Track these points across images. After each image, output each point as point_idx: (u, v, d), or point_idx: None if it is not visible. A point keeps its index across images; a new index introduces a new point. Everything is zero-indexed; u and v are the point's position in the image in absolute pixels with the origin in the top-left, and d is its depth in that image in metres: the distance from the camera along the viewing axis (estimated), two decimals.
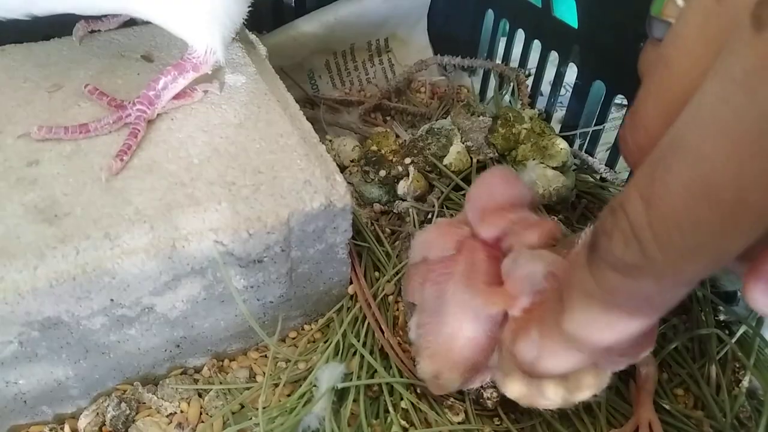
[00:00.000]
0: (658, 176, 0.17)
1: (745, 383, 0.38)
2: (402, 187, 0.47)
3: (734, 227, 0.16)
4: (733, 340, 0.39)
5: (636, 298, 0.20)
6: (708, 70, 0.18)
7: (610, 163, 0.51)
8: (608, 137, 0.53)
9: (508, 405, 0.34)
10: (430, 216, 0.46)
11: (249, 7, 0.38)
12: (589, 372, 0.29)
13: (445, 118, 0.52)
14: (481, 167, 0.49)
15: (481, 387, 0.33)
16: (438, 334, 0.30)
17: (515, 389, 0.30)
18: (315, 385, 0.34)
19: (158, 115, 0.37)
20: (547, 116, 0.56)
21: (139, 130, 0.35)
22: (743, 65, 0.15)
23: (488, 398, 0.34)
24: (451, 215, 0.45)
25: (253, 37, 0.47)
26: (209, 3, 0.34)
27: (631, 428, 0.35)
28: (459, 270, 0.31)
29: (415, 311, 0.32)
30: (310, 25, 0.59)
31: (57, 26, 0.42)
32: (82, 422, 0.34)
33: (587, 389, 0.29)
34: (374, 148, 0.49)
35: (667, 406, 0.36)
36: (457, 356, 0.30)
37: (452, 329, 0.30)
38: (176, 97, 0.38)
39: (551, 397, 0.29)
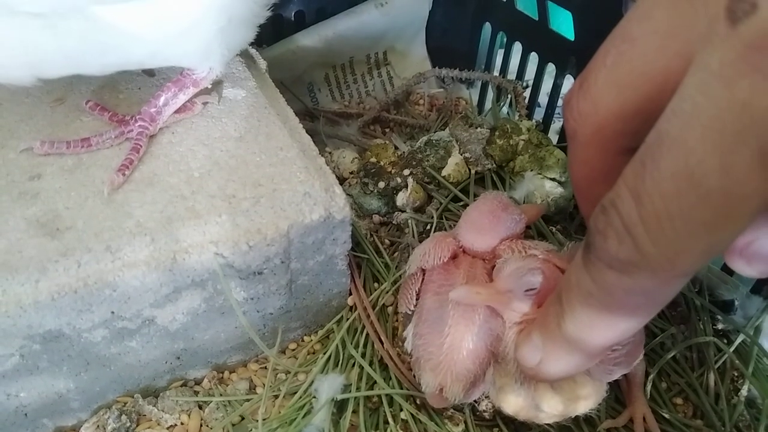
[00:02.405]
0: (647, 171, 0.18)
1: (743, 392, 0.38)
2: (401, 198, 0.48)
3: (724, 217, 0.17)
4: (731, 349, 0.39)
5: (634, 294, 0.20)
6: (672, 54, 0.18)
7: None
8: None
9: (507, 415, 0.35)
10: (429, 227, 0.46)
11: (256, 30, 0.39)
12: (585, 383, 0.29)
13: (444, 130, 0.53)
14: (479, 178, 0.49)
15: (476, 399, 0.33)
16: (439, 345, 0.30)
17: (511, 403, 0.30)
18: (314, 397, 0.34)
19: (159, 129, 0.38)
20: (544, 127, 0.56)
21: (141, 146, 0.35)
22: (720, 58, 0.16)
23: (484, 410, 0.34)
24: (450, 226, 0.45)
25: (253, 51, 0.48)
26: (210, 34, 0.35)
27: (624, 419, 0.35)
28: (460, 282, 0.31)
29: (412, 321, 0.32)
30: (309, 39, 0.60)
31: None
32: None
33: (583, 401, 0.29)
34: (373, 159, 0.50)
35: (666, 416, 0.36)
36: (460, 368, 0.30)
37: (453, 341, 0.30)
38: (176, 110, 0.38)
39: (547, 410, 0.29)
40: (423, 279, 0.33)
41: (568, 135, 0.25)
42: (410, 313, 0.33)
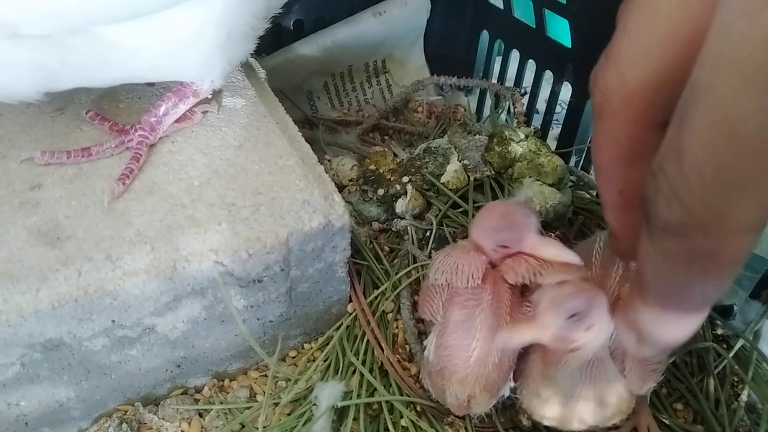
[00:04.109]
0: (685, 125, 0.17)
1: (743, 397, 0.38)
2: (400, 205, 0.48)
3: None
4: (731, 354, 0.39)
5: (698, 258, 0.19)
6: (697, 5, 0.17)
7: None
8: None
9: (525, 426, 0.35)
10: (428, 233, 0.46)
11: (256, 42, 0.39)
12: (614, 391, 0.29)
13: (442, 137, 0.53)
14: (478, 185, 0.49)
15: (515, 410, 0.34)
16: (466, 358, 0.31)
17: (553, 411, 0.30)
18: (315, 404, 0.34)
19: (159, 138, 0.38)
20: (542, 134, 0.56)
21: (141, 155, 0.35)
22: None
23: (525, 425, 0.34)
24: (450, 233, 0.46)
25: (252, 60, 0.48)
26: (209, 49, 0.35)
27: (627, 429, 0.35)
28: (486, 299, 0.31)
29: (435, 330, 0.32)
30: (308, 47, 0.61)
31: None
32: None
33: (611, 408, 0.30)
34: (372, 167, 0.50)
35: (666, 421, 0.36)
36: (487, 380, 0.31)
37: (480, 355, 0.30)
38: (176, 120, 0.38)
39: (585, 418, 0.30)
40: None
41: (595, 112, 0.23)
42: (435, 322, 0.33)
